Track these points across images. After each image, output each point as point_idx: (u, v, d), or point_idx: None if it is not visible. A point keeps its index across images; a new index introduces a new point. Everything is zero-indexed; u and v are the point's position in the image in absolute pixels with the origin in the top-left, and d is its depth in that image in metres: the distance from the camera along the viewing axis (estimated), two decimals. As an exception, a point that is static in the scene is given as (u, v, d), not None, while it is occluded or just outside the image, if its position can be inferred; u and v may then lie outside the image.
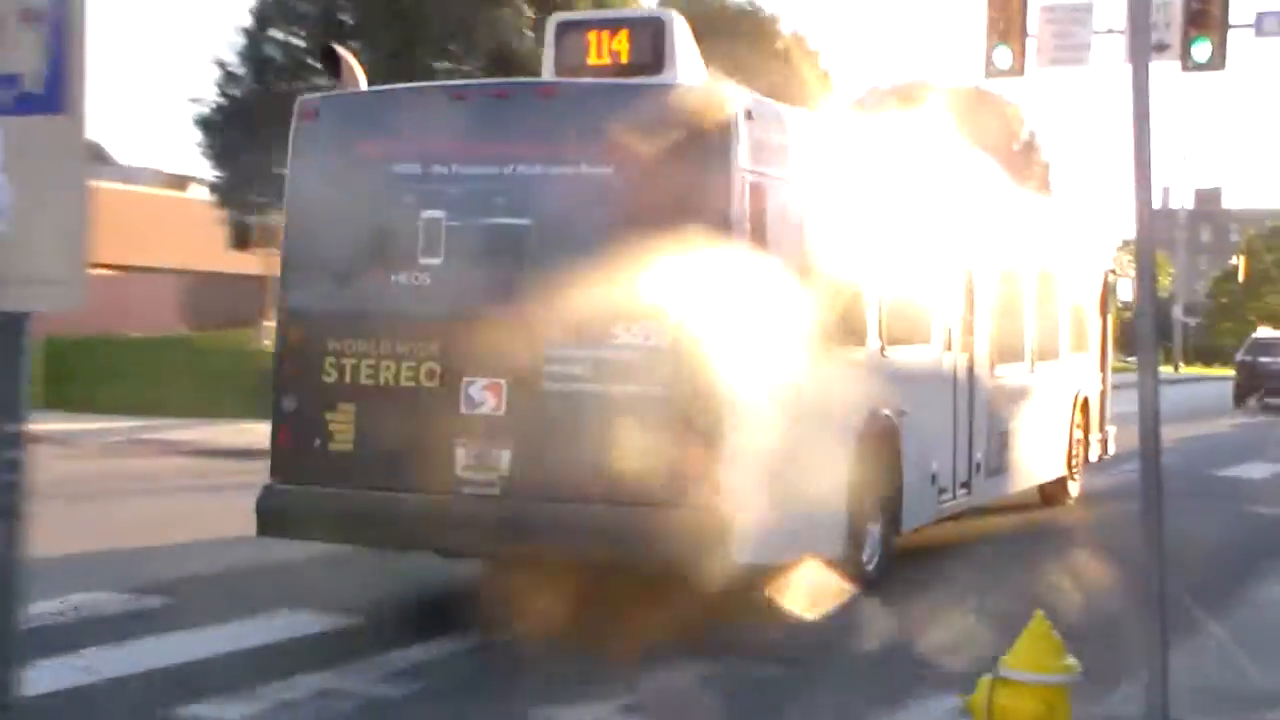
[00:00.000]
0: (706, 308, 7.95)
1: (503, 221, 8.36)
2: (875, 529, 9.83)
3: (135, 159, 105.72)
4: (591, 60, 8.84)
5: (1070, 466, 15.31)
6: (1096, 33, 22.72)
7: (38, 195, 4.69)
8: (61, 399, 23.96)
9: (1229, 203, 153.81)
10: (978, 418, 12.09)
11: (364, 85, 9.08)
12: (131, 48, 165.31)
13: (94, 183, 5.02)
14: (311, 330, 8.63)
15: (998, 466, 12.69)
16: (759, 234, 8.21)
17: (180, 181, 45.59)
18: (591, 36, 8.83)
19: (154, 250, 39.78)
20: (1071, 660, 4.98)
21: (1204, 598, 9.28)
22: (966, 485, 11.87)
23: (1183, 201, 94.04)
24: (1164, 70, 19.77)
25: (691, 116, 8.12)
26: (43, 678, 6.60)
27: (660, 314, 7.97)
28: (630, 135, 8.11)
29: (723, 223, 7.98)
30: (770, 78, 34.03)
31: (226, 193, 35.22)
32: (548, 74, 9.06)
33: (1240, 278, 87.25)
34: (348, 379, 8.48)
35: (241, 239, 28.51)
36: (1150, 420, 5.66)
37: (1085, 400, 15.71)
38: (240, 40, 34.95)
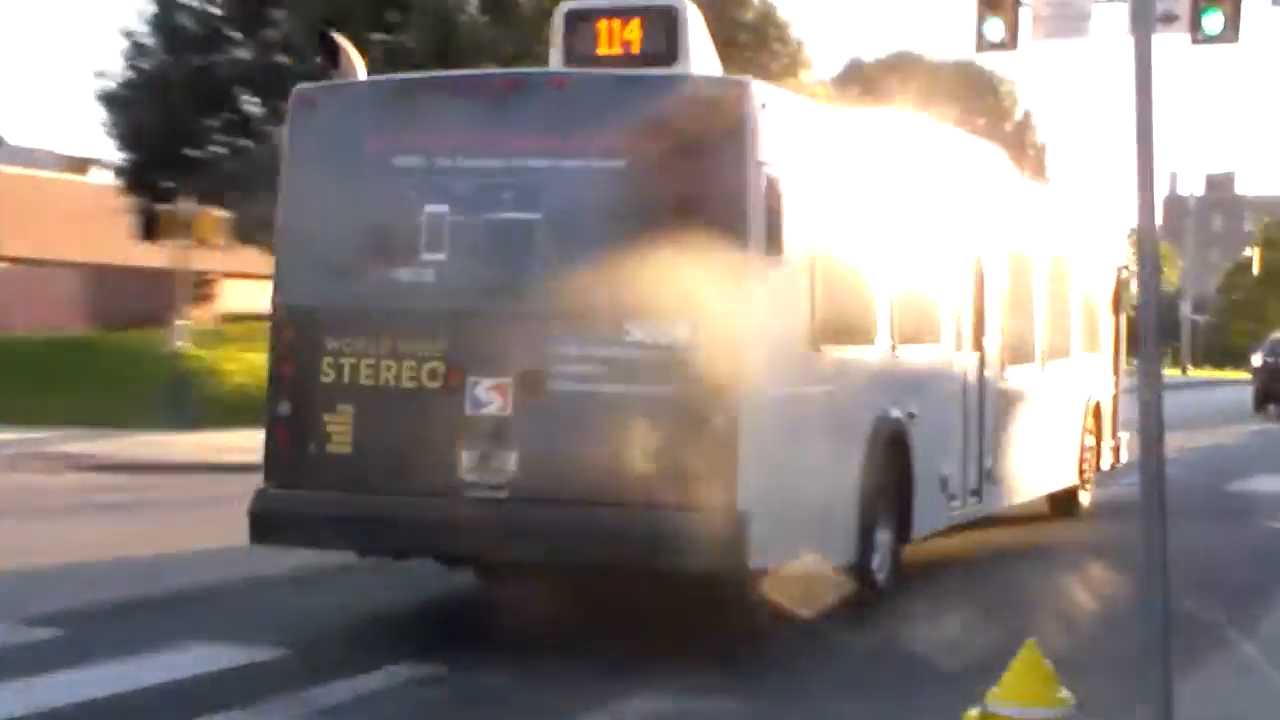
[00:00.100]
0: (720, 305, 8.76)
1: (510, 216, 9.15)
2: (885, 536, 10.71)
3: (30, 139, 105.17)
4: (602, 50, 9.70)
5: (1081, 475, 16.35)
6: (1097, 1, 23.40)
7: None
8: (-53, 407, 24.46)
9: (1243, 189, 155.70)
10: (988, 421, 13.07)
11: (362, 74, 9.89)
12: (26, 15, 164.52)
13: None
14: (308, 329, 9.43)
15: (1008, 473, 13.66)
16: (774, 229, 9.06)
17: (81, 164, 46.08)
18: (602, 26, 9.69)
19: (51, 241, 40.21)
20: (1065, 693, 5.02)
21: (1213, 625, 9.97)
22: (977, 492, 12.83)
23: (1192, 187, 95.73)
24: (1172, 43, 20.38)
25: (705, 108, 8.97)
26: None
27: (673, 311, 8.77)
28: (642, 128, 8.98)
29: (737, 217, 8.82)
30: (739, 52, 34.93)
31: (134, 177, 35.81)
32: (556, 64, 9.92)
33: (1255, 271, 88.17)
34: (346, 379, 9.27)
35: (150, 228, 29.04)
36: (1153, 431, 5.88)
37: (1097, 405, 16.77)
38: (150, 8, 35.48)
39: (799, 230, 9.44)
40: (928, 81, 45.72)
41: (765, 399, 9.02)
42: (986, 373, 13.09)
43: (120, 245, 34.35)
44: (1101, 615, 10.69)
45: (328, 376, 9.32)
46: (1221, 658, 9.23)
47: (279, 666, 8.68)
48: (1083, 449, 16.38)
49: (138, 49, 35.93)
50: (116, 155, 36.55)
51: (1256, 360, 57.68)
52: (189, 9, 35.26)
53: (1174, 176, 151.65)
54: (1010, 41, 22.48)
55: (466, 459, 9.04)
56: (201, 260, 30.92)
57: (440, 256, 9.22)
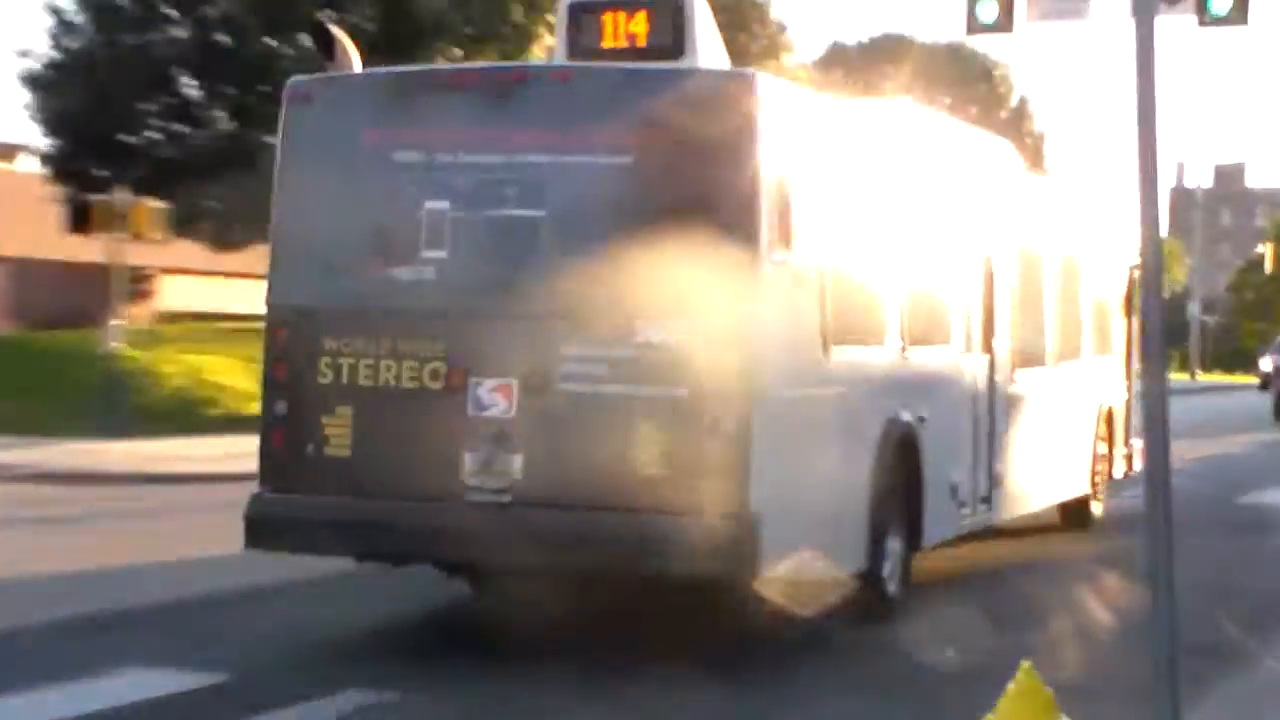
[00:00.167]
0: (730, 303, 9.36)
1: (513, 213, 9.73)
2: (896, 544, 11.32)
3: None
4: (607, 43, 10.31)
5: (1094, 484, 17.05)
6: (1098, -21, 23.87)
7: None
8: None
9: (1254, 181, 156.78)
10: (999, 426, 13.74)
11: (358, 66, 10.47)
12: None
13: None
14: (305, 329, 10.00)
15: (1020, 481, 14.31)
16: (784, 226, 9.67)
17: (7, 151, 46.36)
18: (607, 18, 10.30)
19: (-27, 234, 40.48)
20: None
21: (1230, 644, 10.46)
22: (987, 500, 13.48)
23: (1200, 180, 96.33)
24: (1178, 25, 20.71)
25: (713, 103, 9.57)
26: None
27: (681, 310, 9.36)
28: (648, 123, 9.57)
29: (747, 214, 9.41)
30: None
31: (62, 164, 36.19)
32: (560, 58, 10.54)
33: (1268, 268, 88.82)
34: (344, 380, 9.84)
35: (81, 220, 29.35)
36: (1159, 442, 5.99)
37: (1109, 410, 17.48)
38: (79, -17, 35.73)
39: (809, 227, 10.02)
40: (916, 66, 46.38)
41: (777, 400, 9.60)
42: (997, 376, 13.74)
43: (49, 238, 34.63)
44: (1115, 633, 11.16)
45: (325, 377, 9.88)
46: (1244, 677, 9.70)
47: (220, 694, 8.88)
48: (1095, 456, 17.06)
49: (65, 27, 36.30)
50: (44, 141, 36.88)
51: (1266, 364, 58.62)
52: (122, -16, 35.58)
53: (1180, 168, 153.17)
54: (1005, 23, 22.77)
55: (469, 462, 9.59)
56: (137, 255, 31.28)
57: (441, 254, 9.79)
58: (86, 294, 36.02)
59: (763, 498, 9.35)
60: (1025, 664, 5.20)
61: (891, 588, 11.27)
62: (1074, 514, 16.85)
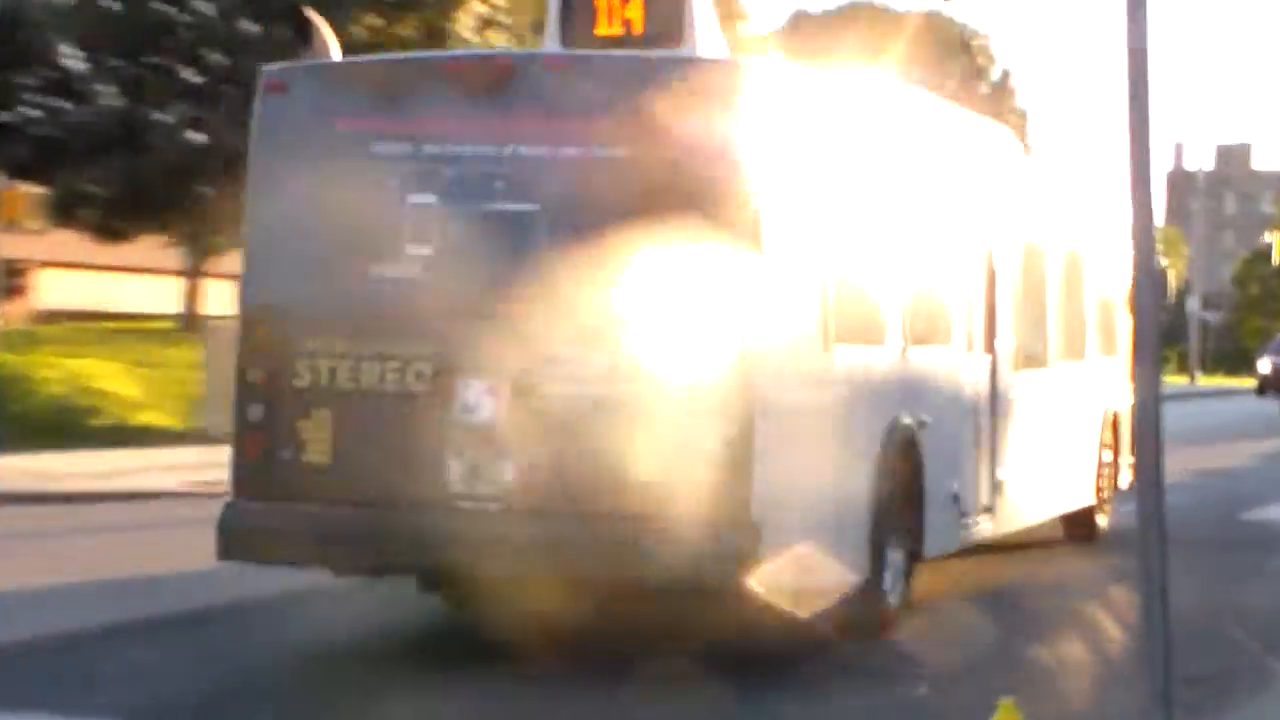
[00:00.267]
0: (730, 301, 10.24)
1: (502, 207, 10.62)
2: (897, 555, 12.23)
3: None
4: (601, 30, 11.20)
5: (1099, 494, 18.07)
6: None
7: None
8: None
9: (1260, 163, 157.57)
10: (1000, 431, 14.73)
11: (337, 54, 11.35)
12: None
13: None
14: (281, 329, 10.86)
15: (1022, 490, 15.27)
16: (785, 219, 10.57)
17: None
18: (601, 4, 11.17)
19: None
20: None
21: (1242, 669, 11.11)
22: (990, 509, 14.45)
23: (1201, 161, 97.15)
24: None
25: (712, 92, 10.46)
26: None
27: (679, 308, 10.26)
28: (644, 113, 10.44)
29: (746, 209, 10.30)
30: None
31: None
32: (552, 45, 11.40)
33: (1275, 259, 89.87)
34: (323, 383, 10.72)
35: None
36: (1151, 454, 6.35)
37: (1115, 416, 18.49)
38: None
39: (811, 221, 10.95)
40: (888, 36, 47.29)
41: (779, 401, 10.48)
42: (999, 378, 14.71)
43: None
44: (1118, 662, 11.62)
45: (302, 380, 10.75)
46: (1264, 696, 10.44)
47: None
48: (1100, 465, 18.08)
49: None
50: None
51: (1264, 366, 59.88)
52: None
53: (1179, 148, 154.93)
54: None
55: (456, 468, 10.48)
56: (11, 246, 31.65)
57: (426, 251, 10.67)
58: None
59: (764, 504, 10.20)
60: (1006, 702, 5.80)
61: (892, 600, 12.14)
62: (1078, 526, 17.81)
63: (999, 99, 58.21)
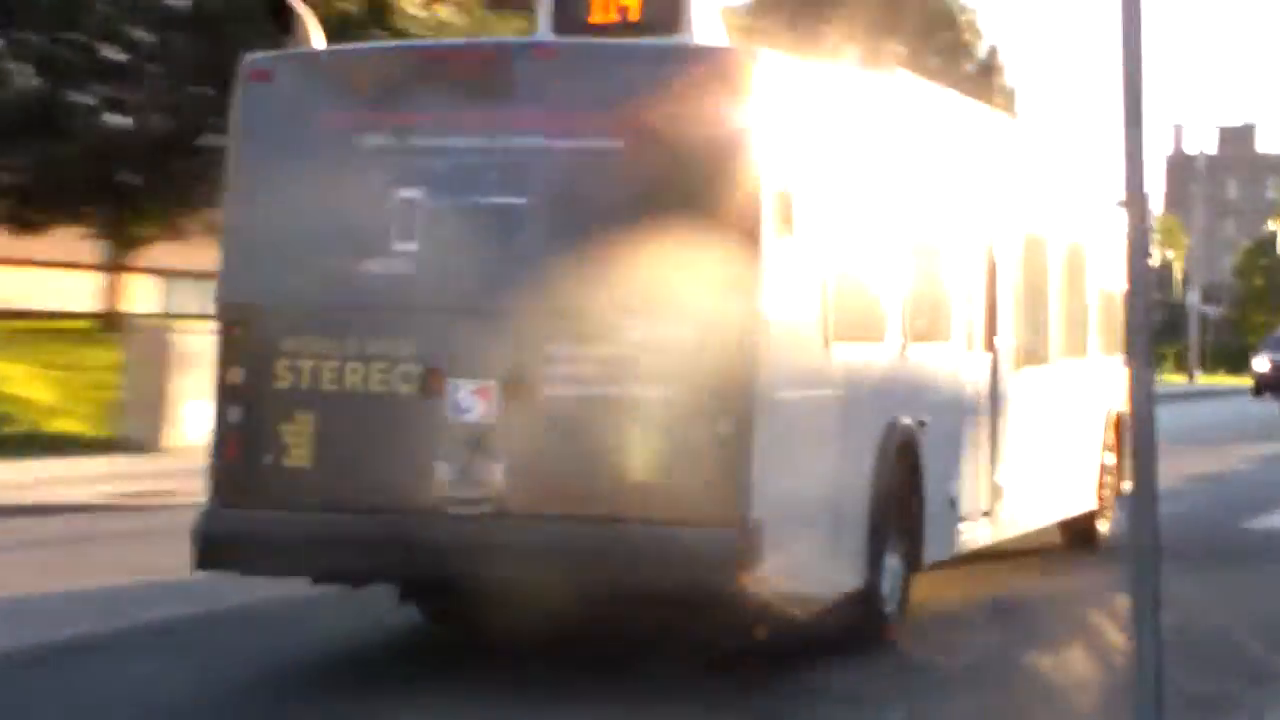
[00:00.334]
0: (728, 298, 10.80)
1: (493, 201, 11.20)
2: (895, 561, 12.84)
3: None
4: (595, 18, 11.72)
5: (1101, 499, 18.74)
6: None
7: None
8: None
9: (1265, 145, 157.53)
10: (999, 432, 15.39)
11: (320, 43, 11.95)
12: None
13: None
14: (261, 328, 11.41)
15: (1022, 494, 15.91)
16: (785, 214, 11.13)
17: None
18: None
19: None
20: None
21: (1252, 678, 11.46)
22: (989, 514, 15.10)
23: (1202, 144, 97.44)
24: None
25: (711, 82, 11.05)
26: None
27: (676, 306, 10.82)
28: (641, 103, 11.05)
29: (746, 202, 10.85)
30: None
31: None
32: (544, 33, 11.90)
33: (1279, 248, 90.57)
34: (305, 384, 11.27)
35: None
36: (1146, 456, 6.64)
37: (1118, 417, 19.09)
38: None
39: (811, 215, 11.53)
40: (868, 11, 47.75)
41: (778, 401, 11.04)
42: (1000, 377, 15.37)
43: None
44: (1115, 683, 11.89)
45: (283, 381, 11.30)
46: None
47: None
48: (1102, 468, 18.76)
49: None
50: None
51: (1261, 364, 60.65)
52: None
53: (1179, 130, 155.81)
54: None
55: (446, 471, 11.01)
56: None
57: (413, 247, 11.24)
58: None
59: (764, 506, 10.76)
60: None
61: (890, 608, 12.76)
62: (1078, 533, 18.50)
63: (986, 77, 58.64)
